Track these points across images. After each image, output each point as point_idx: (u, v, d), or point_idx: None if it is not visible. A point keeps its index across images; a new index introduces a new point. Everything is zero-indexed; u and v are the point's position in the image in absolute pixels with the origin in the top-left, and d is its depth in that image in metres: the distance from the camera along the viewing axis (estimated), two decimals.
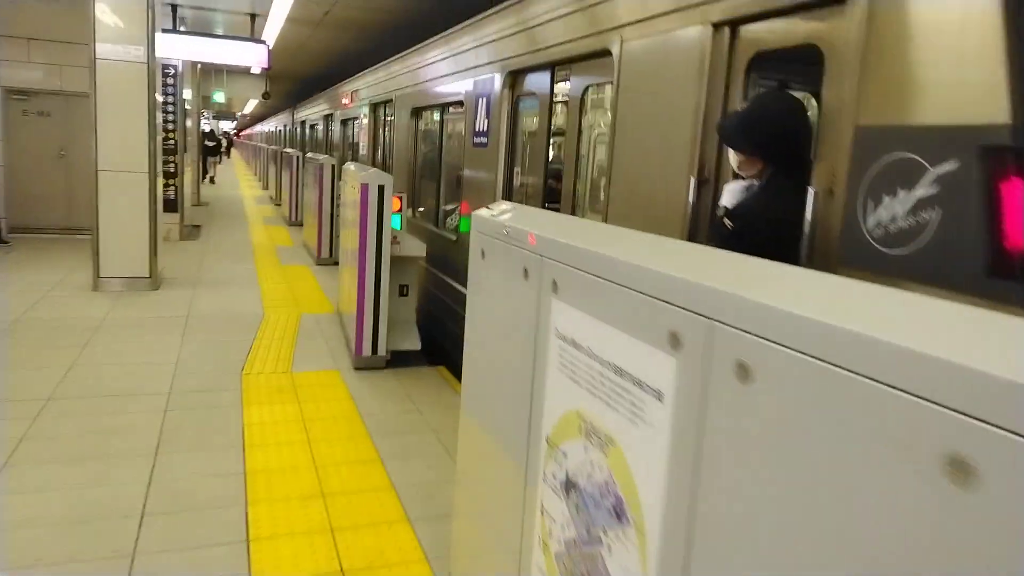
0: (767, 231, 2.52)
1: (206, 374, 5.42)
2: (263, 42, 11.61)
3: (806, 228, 2.44)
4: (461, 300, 5.95)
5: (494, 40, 5.13)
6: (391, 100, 8.48)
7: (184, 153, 12.77)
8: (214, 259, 10.56)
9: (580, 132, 4.31)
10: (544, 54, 4.32)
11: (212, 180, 25.21)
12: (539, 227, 2.25)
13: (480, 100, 5.45)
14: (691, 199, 2.93)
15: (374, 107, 9.86)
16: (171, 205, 11.69)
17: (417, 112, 7.58)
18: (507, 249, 2.37)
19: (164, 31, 10.08)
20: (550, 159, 4.54)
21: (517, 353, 2.29)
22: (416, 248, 5.93)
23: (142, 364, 5.56)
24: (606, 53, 3.65)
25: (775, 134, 2.54)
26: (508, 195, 5.11)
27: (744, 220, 2.56)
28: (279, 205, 18.41)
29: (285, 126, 24.63)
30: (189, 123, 14.58)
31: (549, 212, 2.36)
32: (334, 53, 14.39)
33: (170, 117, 11.30)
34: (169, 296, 7.92)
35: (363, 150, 10.60)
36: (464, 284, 6.00)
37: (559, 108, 4.41)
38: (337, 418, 4.72)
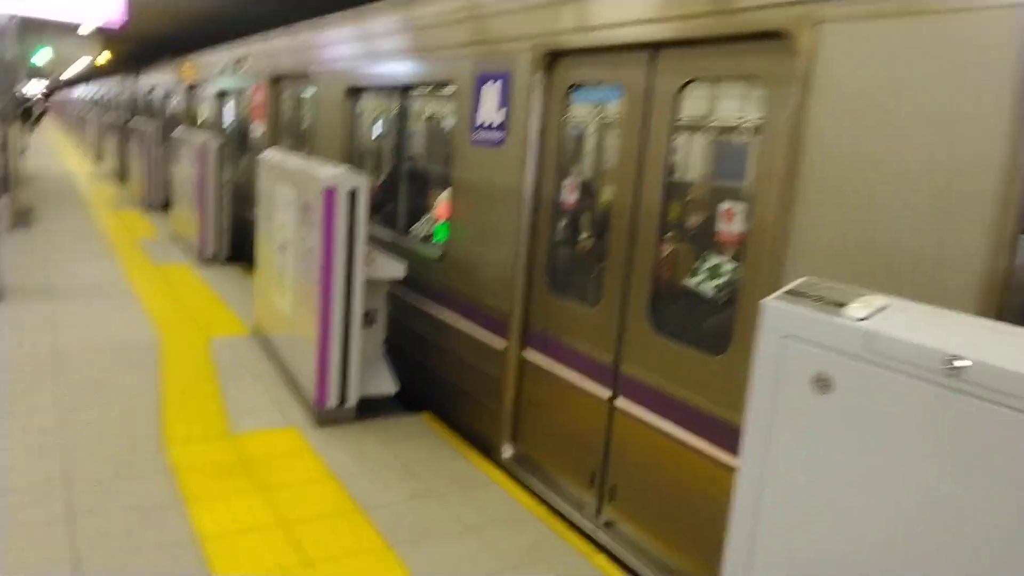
0: None
1: (112, 449, 3.91)
2: None
3: None
4: (444, 330, 4.79)
5: (521, 9, 3.97)
6: (306, 74, 6.98)
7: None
8: (64, 256, 8.52)
9: (670, 144, 3.29)
10: (631, 31, 3.26)
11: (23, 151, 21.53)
12: None
13: (488, 85, 4.28)
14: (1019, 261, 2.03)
15: (276, 81, 8.24)
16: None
17: (354, 93, 6.20)
18: (943, 397, 1.35)
19: None
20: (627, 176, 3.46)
21: None
22: (394, 268, 4.66)
23: (11, 438, 3.94)
24: (770, 36, 2.66)
25: None
26: (541, 211, 4.00)
27: None
28: (125, 182, 15.80)
29: (123, 92, 21.48)
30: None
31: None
32: (205, 14, 12.24)
33: None
34: (20, 315, 6.05)
35: (254, 132, 8.91)
36: (449, 308, 4.87)
37: (653, 108, 3.33)
38: (330, 515, 3.44)
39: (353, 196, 4.29)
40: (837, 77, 2.43)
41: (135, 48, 19.43)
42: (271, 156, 5.79)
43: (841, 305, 1.62)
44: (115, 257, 8.77)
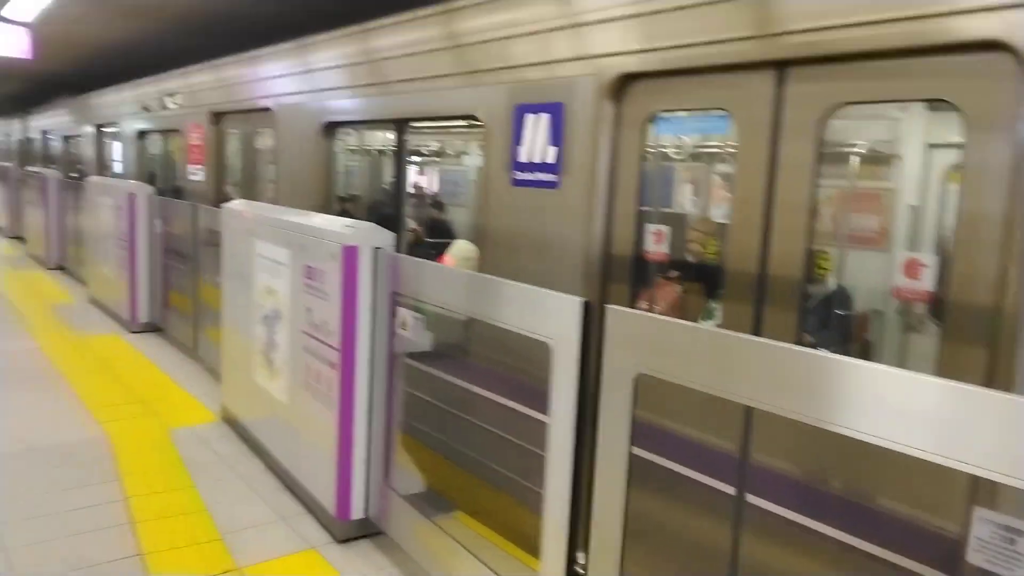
0: None
1: None
2: (23, 23, 8.35)
3: None
4: (472, 407, 4.01)
5: (580, 24, 3.32)
6: (267, 109, 6.11)
7: None
8: None
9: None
10: (753, 46, 2.66)
11: None
12: None
13: (529, 118, 3.60)
14: None
15: (217, 118, 7.30)
16: None
17: (331, 128, 5.39)
18: None
19: None
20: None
21: None
22: (423, 338, 3.87)
23: None
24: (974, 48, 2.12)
25: None
26: (613, 265, 3.33)
27: None
28: (22, 240, 14.07)
29: (8, 136, 19.72)
30: None
31: None
32: (104, 47, 10.98)
33: None
34: None
35: (193, 175, 7.90)
36: (482, 379, 4.03)
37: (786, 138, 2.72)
38: None
39: (377, 257, 3.51)
40: None
41: (24, 86, 17.71)
42: (242, 207, 4.90)
43: None
44: (26, 328, 7.50)
